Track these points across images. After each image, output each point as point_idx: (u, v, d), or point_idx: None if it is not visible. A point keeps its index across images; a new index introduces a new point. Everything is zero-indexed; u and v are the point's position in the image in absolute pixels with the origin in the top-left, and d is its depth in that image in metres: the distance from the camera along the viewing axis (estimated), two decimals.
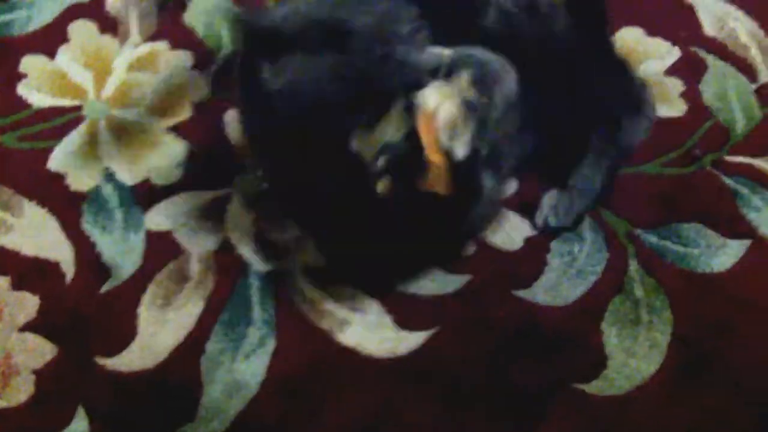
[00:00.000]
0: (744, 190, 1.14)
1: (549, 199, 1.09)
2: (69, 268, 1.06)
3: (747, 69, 1.26)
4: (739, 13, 1.32)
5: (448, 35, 0.98)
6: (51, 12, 1.29)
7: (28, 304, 1.03)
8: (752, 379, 0.99)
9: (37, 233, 1.09)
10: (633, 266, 1.07)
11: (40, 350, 1.00)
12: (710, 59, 1.27)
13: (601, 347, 1.00)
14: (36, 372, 0.98)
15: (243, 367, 0.99)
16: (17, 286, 1.04)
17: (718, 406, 0.97)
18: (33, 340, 1.00)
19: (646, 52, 1.27)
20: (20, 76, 1.23)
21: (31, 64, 1.24)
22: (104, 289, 1.04)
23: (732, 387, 0.98)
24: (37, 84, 1.22)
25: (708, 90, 1.23)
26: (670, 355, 1.00)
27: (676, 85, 1.24)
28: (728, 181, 1.14)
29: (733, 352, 1.01)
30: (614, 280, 1.06)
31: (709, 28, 1.31)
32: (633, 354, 1.00)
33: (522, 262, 1.07)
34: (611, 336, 1.01)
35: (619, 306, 1.03)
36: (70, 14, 1.29)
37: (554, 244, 1.08)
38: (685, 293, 1.05)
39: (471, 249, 1.07)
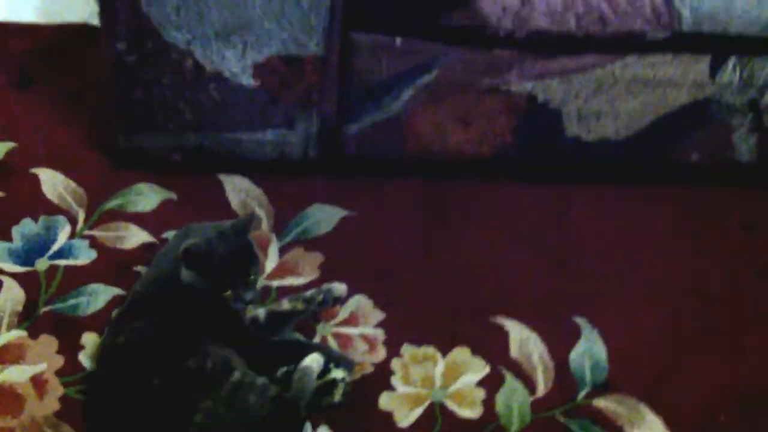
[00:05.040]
0: None
1: None
2: None
3: (531, 384, 1.97)
4: (538, 340, 2.03)
5: None
6: (103, 300, 2.07)
7: None
8: None
9: None
10: None
11: None
12: (508, 376, 1.98)
13: None
14: None
15: None
16: None
17: None
18: None
19: (468, 368, 1.99)
20: (81, 347, 2.00)
21: (89, 339, 2.01)
22: None
23: None
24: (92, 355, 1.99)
25: (500, 399, 1.95)
26: None
27: (480, 394, 1.96)
28: None
29: None
30: None
31: (513, 351, 2.02)
32: None
33: None
34: None
35: None
36: (114, 304, 2.07)
37: None
38: None
39: None
